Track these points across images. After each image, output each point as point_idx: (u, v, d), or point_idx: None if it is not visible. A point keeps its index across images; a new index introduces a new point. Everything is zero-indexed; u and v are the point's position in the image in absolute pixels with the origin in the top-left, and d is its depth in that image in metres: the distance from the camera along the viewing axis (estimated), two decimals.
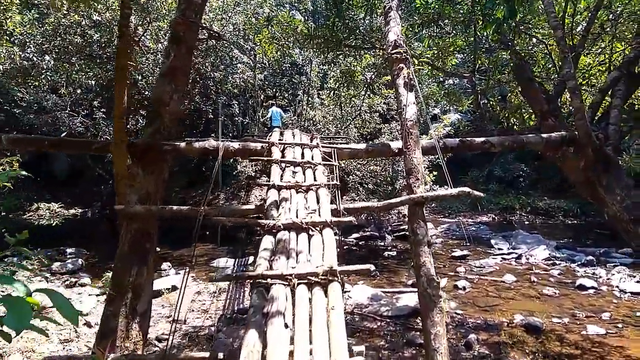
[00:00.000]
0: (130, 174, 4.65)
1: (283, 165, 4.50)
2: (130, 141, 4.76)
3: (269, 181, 4.20)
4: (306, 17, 17.35)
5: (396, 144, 5.49)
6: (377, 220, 17.54)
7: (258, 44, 13.47)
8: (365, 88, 10.24)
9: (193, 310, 10.00)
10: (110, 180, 20.36)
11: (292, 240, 3.61)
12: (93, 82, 15.68)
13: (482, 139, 5.70)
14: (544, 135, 5.85)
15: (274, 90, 20.97)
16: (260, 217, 4.05)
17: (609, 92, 6.66)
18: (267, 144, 5.00)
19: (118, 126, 4.62)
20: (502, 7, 6.55)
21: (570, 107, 7.32)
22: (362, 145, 5.41)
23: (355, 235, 17.16)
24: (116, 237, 4.69)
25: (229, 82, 16.87)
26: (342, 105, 12.98)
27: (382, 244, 16.56)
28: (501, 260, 14.14)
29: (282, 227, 3.69)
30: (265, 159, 4.50)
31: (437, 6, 9.61)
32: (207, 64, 16.34)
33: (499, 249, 15.40)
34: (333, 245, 3.52)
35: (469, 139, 5.71)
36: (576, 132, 5.78)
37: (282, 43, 10.28)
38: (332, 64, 11.10)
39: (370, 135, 17.16)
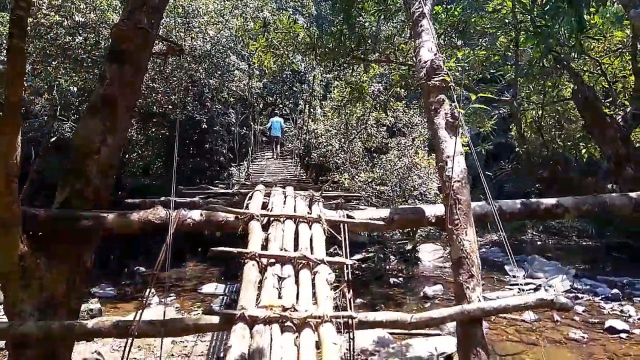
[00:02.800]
0: (26, 267, 2.84)
1: (264, 262, 2.66)
2: (30, 213, 2.96)
3: (234, 306, 2.39)
4: (310, 23, 15.45)
5: (433, 210, 3.67)
6: (380, 239, 15.73)
7: (254, 52, 11.61)
8: (376, 106, 8.44)
9: (173, 355, 8.26)
10: None
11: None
12: (75, 89, 13.83)
13: (552, 201, 3.88)
14: (633, 196, 4.03)
15: (274, 98, 19.11)
16: None
17: None
18: (243, 216, 3.16)
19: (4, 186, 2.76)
20: (563, 18, 4.70)
21: None
22: (384, 212, 3.56)
23: (357, 256, 15.33)
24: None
25: (225, 90, 15.02)
26: (347, 118, 11.18)
27: (387, 267, 14.73)
28: (518, 292, 12.37)
29: None
30: (236, 251, 2.68)
31: (461, 14, 7.76)
32: (201, 69, 14.49)
33: (514, 276, 13.66)
34: None
35: (534, 201, 3.90)
36: None
37: (281, 53, 8.43)
38: (338, 78, 9.26)
39: (376, 150, 15.31)
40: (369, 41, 7.67)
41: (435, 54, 3.90)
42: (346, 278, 2.79)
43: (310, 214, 3.35)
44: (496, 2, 7.25)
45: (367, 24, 7.69)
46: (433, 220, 3.61)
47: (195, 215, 3.18)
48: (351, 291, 2.70)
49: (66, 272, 3.00)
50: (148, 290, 2.94)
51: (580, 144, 5.98)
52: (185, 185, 16.55)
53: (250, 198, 3.52)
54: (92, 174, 3.22)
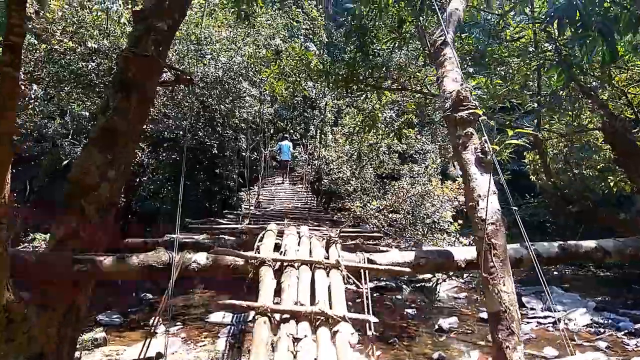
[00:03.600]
0: (12, 318, 2.52)
1: (277, 317, 2.30)
2: (19, 256, 2.65)
3: None
4: (321, 50, 15.36)
5: (462, 253, 3.30)
6: None
7: (265, 78, 11.45)
8: (389, 133, 8.15)
9: None
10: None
11: None
12: (88, 113, 13.76)
13: (592, 244, 3.50)
14: None
15: (285, 123, 18.95)
16: None
17: None
18: (253, 261, 2.82)
19: None
20: (594, 47, 4.41)
21: None
22: (409, 255, 3.20)
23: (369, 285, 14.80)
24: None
25: (236, 116, 14.87)
26: (359, 145, 10.90)
27: (400, 297, 14.17)
28: (537, 326, 11.66)
29: None
30: (245, 304, 2.34)
31: (475, 42, 7.53)
32: (212, 95, 14.38)
33: (532, 309, 13.02)
34: None
35: (572, 244, 3.52)
36: None
37: (293, 80, 8.21)
38: (351, 106, 9.01)
39: (387, 177, 14.96)
40: (383, 69, 7.43)
41: (461, 84, 3.60)
42: (370, 335, 2.43)
43: (328, 258, 3.00)
44: (515, 30, 7.00)
45: (381, 52, 7.45)
46: (463, 265, 3.24)
47: (201, 258, 2.85)
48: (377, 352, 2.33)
49: (58, 321, 2.66)
50: (154, 320, 2.60)
51: (609, 177, 5.59)
52: (194, 210, 16.33)
53: (262, 239, 3.18)
54: (90, 211, 2.92)
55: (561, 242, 3.51)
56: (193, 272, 2.78)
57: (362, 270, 2.81)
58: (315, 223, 4.81)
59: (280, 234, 3.44)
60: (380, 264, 3.08)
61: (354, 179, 13.51)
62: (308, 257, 2.87)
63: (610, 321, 11.90)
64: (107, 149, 3.08)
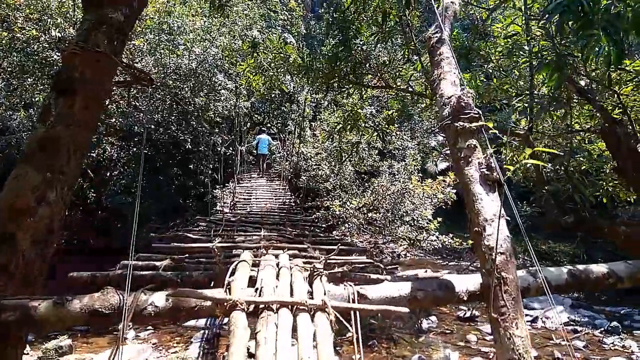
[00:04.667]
0: None
1: None
2: None
3: None
4: (299, 42, 14.75)
5: (465, 283, 2.86)
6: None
7: (241, 73, 10.83)
8: (372, 133, 7.70)
9: None
10: (81, 207, 17.50)
11: None
12: None
13: (603, 269, 3.12)
14: None
15: (262, 117, 18.32)
16: None
17: None
18: (224, 303, 2.31)
19: None
20: (601, 47, 4.02)
21: None
22: (404, 287, 2.74)
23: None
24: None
25: (212, 110, 14.18)
26: (339, 143, 10.44)
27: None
28: None
29: None
30: None
31: (462, 38, 7.16)
32: (186, 88, 13.65)
33: None
34: None
35: (581, 269, 3.13)
36: None
37: (271, 74, 7.66)
38: (332, 102, 8.52)
39: (366, 173, 14.55)
40: (367, 65, 6.95)
41: (462, 88, 3.15)
42: None
43: (312, 294, 2.52)
44: (506, 24, 6.61)
45: (364, 46, 6.96)
46: (465, 298, 2.81)
47: (159, 301, 2.32)
48: None
49: None
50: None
51: (606, 184, 5.27)
52: (168, 206, 15.52)
53: (234, 273, 2.67)
54: (24, 243, 2.36)
55: (570, 268, 3.13)
56: (150, 318, 2.26)
57: (352, 314, 2.33)
58: (296, 245, 4.30)
59: (256, 264, 2.94)
60: (372, 299, 2.61)
61: (333, 175, 13.05)
62: (289, 298, 2.37)
63: (586, 319, 11.84)
64: (46, 166, 2.51)
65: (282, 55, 7.44)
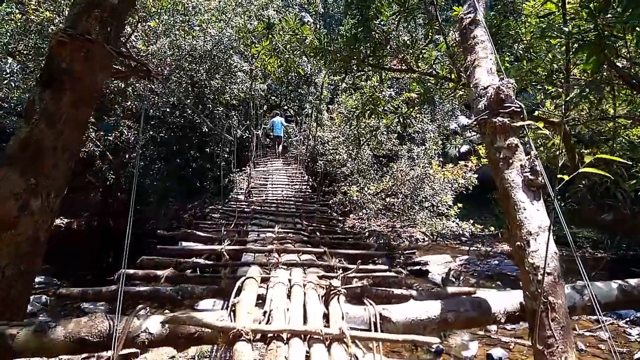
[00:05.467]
0: None
1: None
2: None
3: None
4: (317, 21, 14.17)
5: (501, 302, 2.49)
6: (387, 247, 14.52)
7: (257, 55, 10.41)
8: (393, 119, 7.24)
9: None
10: (101, 188, 17.52)
11: None
12: None
13: None
14: None
15: (279, 99, 17.88)
16: None
17: None
18: (227, 332, 1.99)
19: None
20: None
21: None
22: (433, 308, 2.38)
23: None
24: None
25: (227, 92, 13.82)
26: (357, 128, 9.99)
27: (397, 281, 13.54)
28: None
29: None
30: None
31: (493, 19, 6.58)
32: (201, 70, 13.28)
33: None
34: None
35: (634, 284, 2.72)
36: None
37: (286, 57, 7.23)
38: (350, 85, 8.06)
39: (385, 157, 14.09)
40: (388, 46, 6.46)
41: (501, 78, 2.71)
42: None
43: (328, 318, 2.19)
44: (538, 1, 6.04)
45: (385, 27, 6.46)
46: (503, 320, 2.44)
47: (154, 326, 2.02)
48: None
49: None
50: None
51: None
52: (185, 190, 15.34)
53: (240, 291, 2.33)
54: (2, 259, 2.07)
55: (621, 283, 2.73)
56: (143, 346, 1.96)
57: (374, 347, 1.99)
58: (312, 249, 3.94)
59: (265, 280, 2.61)
60: (397, 322, 2.27)
61: (350, 160, 12.63)
62: (301, 326, 2.04)
63: None
64: (30, 171, 2.20)
65: (298, 37, 6.99)
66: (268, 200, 8.45)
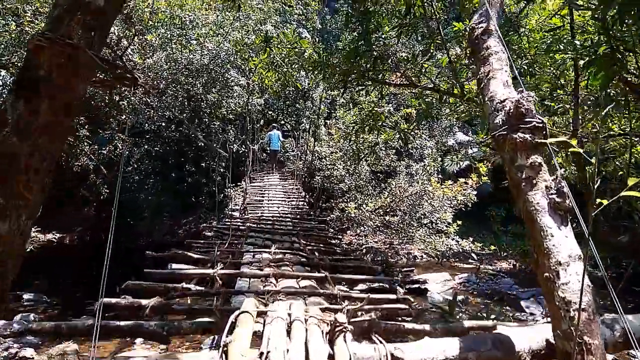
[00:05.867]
0: None
1: None
2: None
3: None
4: (314, 37, 14.06)
5: (526, 340, 2.21)
6: (385, 265, 14.18)
7: (254, 69, 10.23)
8: (394, 135, 7.04)
9: None
10: (95, 203, 17.14)
11: None
12: None
13: None
14: None
15: (276, 113, 17.70)
16: None
17: None
18: None
19: None
20: None
21: None
22: (450, 346, 2.11)
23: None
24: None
25: (224, 106, 13.61)
26: (356, 144, 9.77)
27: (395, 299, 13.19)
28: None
29: None
30: None
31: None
32: (198, 84, 13.08)
33: (531, 314, 12.09)
34: None
35: None
36: None
37: (285, 71, 7.04)
38: (349, 100, 7.87)
39: (382, 173, 13.86)
40: (388, 60, 6.28)
41: (520, 90, 2.49)
42: None
43: (333, 357, 1.91)
44: (543, 16, 5.89)
45: (385, 40, 6.29)
46: (529, 358, 2.17)
47: None
48: None
49: None
50: None
51: None
52: (180, 205, 15.00)
53: (233, 329, 2.05)
54: None
55: None
56: None
57: None
58: (312, 274, 3.65)
59: (262, 313, 2.32)
60: None
61: (348, 176, 12.39)
62: None
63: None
64: None
65: (296, 50, 6.81)
66: (264, 217, 8.17)
